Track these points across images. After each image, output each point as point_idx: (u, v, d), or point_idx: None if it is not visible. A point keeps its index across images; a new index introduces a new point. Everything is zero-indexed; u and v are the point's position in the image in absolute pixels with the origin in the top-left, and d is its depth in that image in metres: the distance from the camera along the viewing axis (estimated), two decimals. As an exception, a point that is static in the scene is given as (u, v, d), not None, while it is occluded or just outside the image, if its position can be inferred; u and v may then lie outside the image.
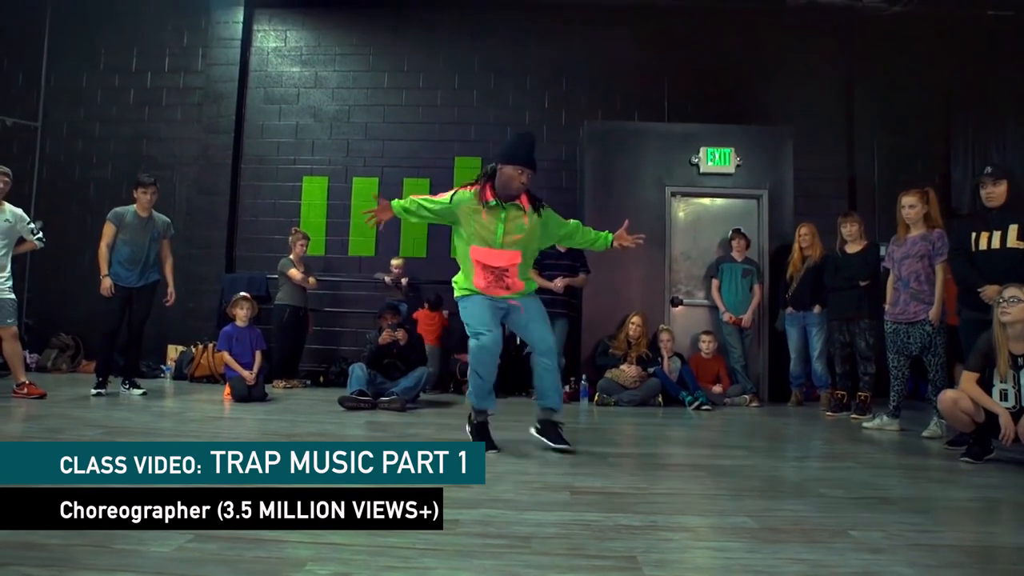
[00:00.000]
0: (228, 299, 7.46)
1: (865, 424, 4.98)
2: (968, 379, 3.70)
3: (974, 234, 4.18)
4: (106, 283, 5.68)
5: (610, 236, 3.78)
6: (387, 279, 7.66)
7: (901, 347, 4.84)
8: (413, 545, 1.92)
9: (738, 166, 7.07)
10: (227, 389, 5.77)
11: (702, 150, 7.08)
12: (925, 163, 8.08)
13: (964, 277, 4.22)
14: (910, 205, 4.78)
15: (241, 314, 5.95)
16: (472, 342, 3.51)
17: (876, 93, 8.07)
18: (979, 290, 4.05)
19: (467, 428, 3.75)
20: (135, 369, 5.98)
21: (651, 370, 6.43)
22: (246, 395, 5.64)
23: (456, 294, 3.68)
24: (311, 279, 7.35)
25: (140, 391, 5.81)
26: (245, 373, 5.73)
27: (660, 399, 6.37)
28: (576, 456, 3.52)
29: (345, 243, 8.24)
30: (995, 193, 4.11)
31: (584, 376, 6.62)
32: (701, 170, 7.10)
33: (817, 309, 6.35)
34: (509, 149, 3.50)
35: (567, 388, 6.61)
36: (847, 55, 8.15)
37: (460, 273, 3.68)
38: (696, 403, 6.13)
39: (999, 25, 8.03)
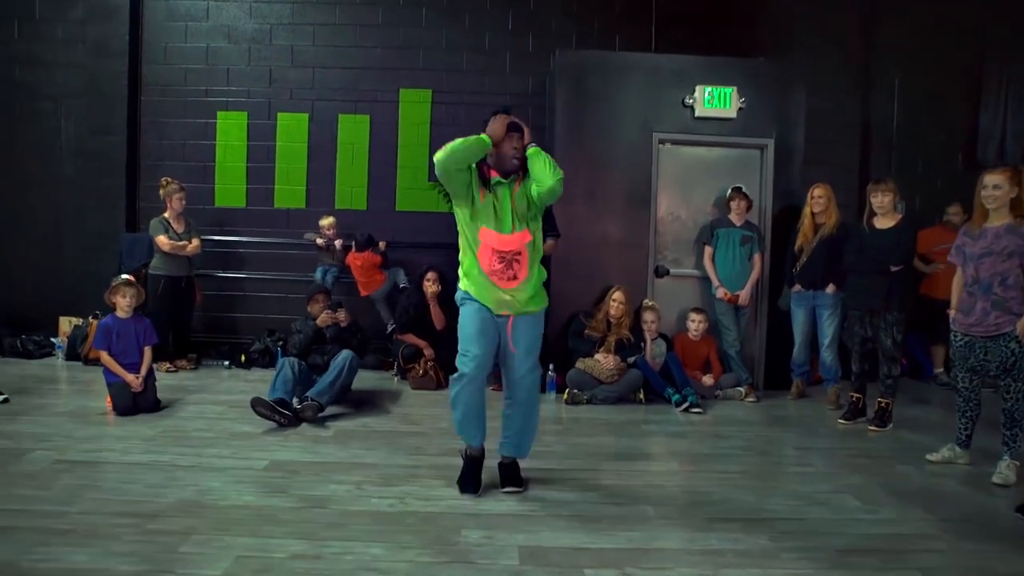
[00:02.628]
0: (127, 264, 6.26)
1: (929, 457, 4.02)
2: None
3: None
4: None
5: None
6: (318, 240, 6.42)
7: (975, 366, 3.84)
8: None
9: (740, 109, 5.85)
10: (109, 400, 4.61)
11: (698, 89, 5.82)
12: (950, 107, 6.92)
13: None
14: (995, 185, 3.66)
15: (123, 303, 4.71)
16: (457, 369, 3.22)
17: (899, 25, 6.77)
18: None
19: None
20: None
21: (631, 360, 5.42)
22: (131, 406, 4.51)
23: (458, 292, 3.35)
24: (192, 242, 6.07)
25: (1, 397, 4.64)
26: (130, 378, 4.56)
27: (641, 395, 5.38)
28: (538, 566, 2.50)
29: (270, 193, 6.92)
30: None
31: (552, 366, 5.55)
32: (696, 113, 5.86)
33: (831, 289, 5.33)
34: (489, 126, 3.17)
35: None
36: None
37: (464, 263, 3.30)
38: (685, 404, 5.15)
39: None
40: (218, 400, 5.05)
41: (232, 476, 3.42)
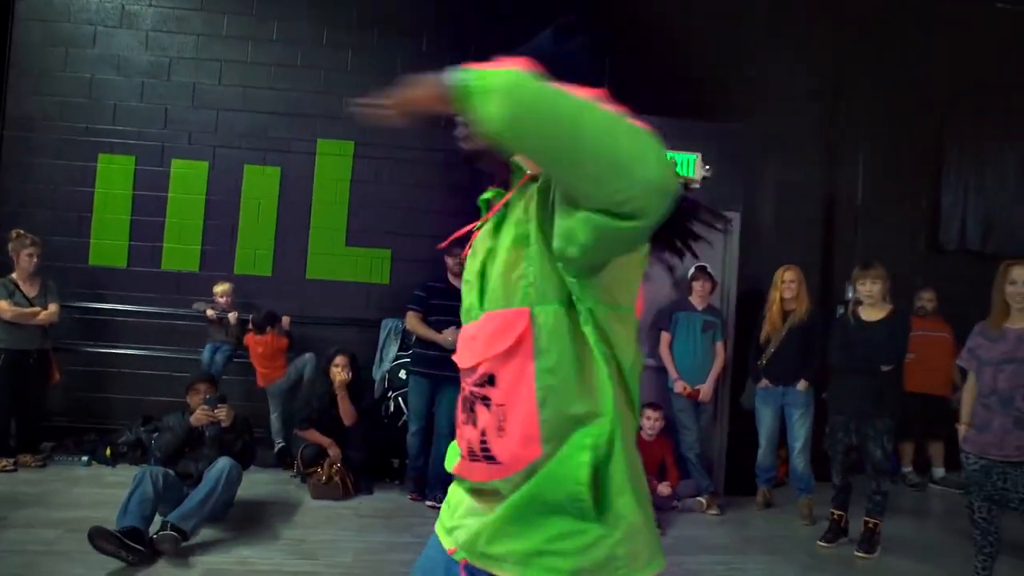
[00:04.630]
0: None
1: None
2: None
3: None
4: None
5: None
6: (209, 311, 5.40)
7: (993, 494, 3.17)
8: None
9: (705, 178, 5.25)
10: None
11: (658, 154, 5.21)
12: (913, 184, 6.53)
13: None
14: None
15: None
16: None
17: (864, 97, 6.34)
18: None
19: None
20: None
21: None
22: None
23: None
24: (50, 307, 4.99)
25: None
26: (-76, 497, 3.44)
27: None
28: None
29: (157, 252, 5.86)
30: None
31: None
32: (655, 182, 5.23)
33: (802, 385, 4.69)
34: None
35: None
36: (834, 47, 6.36)
37: None
38: (642, 522, 4.32)
39: (1006, 21, 6.51)
40: (53, 519, 3.90)
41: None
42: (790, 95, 6.11)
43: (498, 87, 0.99)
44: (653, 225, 1.00)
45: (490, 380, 1.18)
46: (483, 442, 1.18)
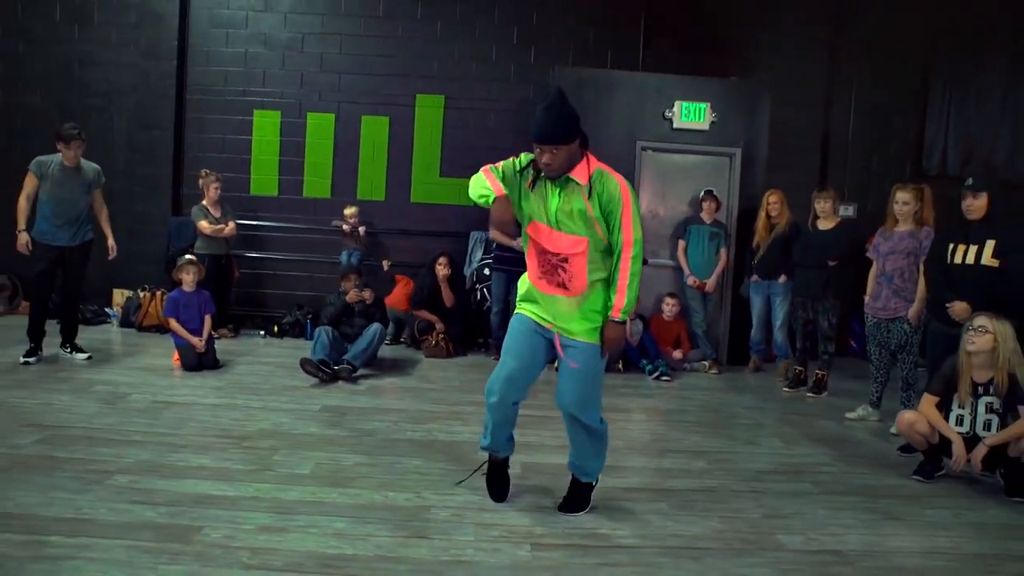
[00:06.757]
0: (175, 245, 7.17)
1: (848, 415, 5.04)
2: (928, 402, 3.70)
3: (951, 245, 4.08)
4: (22, 239, 5.31)
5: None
6: (344, 227, 7.33)
7: (882, 341, 4.86)
8: None
9: (712, 122, 6.79)
10: (176, 356, 5.54)
11: (677, 104, 6.76)
12: (900, 119, 7.89)
13: (936, 288, 4.16)
14: (904, 202, 4.65)
15: (187, 279, 5.64)
16: (492, 376, 2.99)
17: (859, 44, 7.72)
18: (947, 305, 4.00)
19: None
20: (75, 332, 5.65)
21: (613, 335, 6.38)
22: (196, 364, 5.43)
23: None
24: (229, 224, 6.98)
25: (84, 355, 5.55)
26: (194, 340, 5.49)
27: (620, 365, 6.34)
28: (542, 479, 3.46)
29: (299, 183, 7.81)
30: (975, 206, 3.99)
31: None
32: (674, 125, 6.80)
33: (782, 279, 6.28)
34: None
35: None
36: (833, 4, 7.72)
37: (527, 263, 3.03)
38: (656, 373, 6.13)
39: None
40: (264, 361, 5.98)
41: (295, 415, 4.38)
42: (790, 49, 7.58)
43: (475, 196, 2.81)
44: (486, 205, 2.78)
45: (566, 260, 2.80)
46: (562, 284, 2.83)
